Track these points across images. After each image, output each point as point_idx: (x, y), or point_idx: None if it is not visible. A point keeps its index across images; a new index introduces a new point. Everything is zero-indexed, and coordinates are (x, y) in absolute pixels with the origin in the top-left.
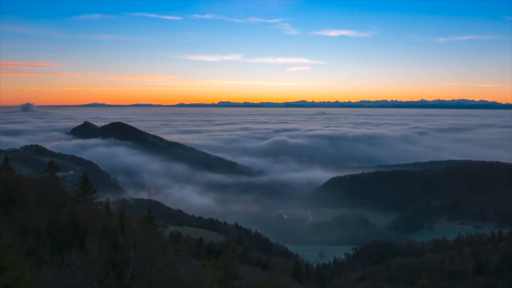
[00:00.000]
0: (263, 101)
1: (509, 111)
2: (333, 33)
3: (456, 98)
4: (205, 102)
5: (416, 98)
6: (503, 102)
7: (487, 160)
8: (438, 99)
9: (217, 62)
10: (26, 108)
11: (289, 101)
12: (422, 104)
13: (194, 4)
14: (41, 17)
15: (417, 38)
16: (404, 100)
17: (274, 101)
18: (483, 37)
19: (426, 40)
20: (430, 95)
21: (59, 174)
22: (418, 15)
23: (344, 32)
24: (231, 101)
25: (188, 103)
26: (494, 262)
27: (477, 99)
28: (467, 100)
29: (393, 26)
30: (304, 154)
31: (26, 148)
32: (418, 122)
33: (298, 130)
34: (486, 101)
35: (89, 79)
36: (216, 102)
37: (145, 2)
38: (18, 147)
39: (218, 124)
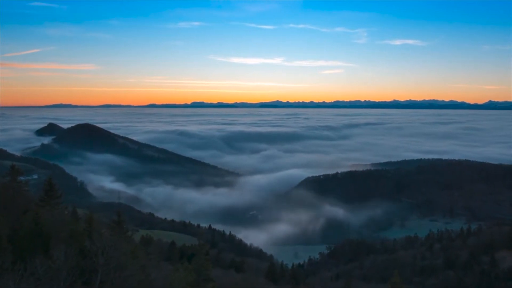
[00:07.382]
0: (237, 101)
1: (471, 111)
2: (397, 42)
3: (427, 99)
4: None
5: (388, 98)
6: (472, 102)
7: (456, 159)
8: (410, 99)
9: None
10: None
11: (264, 101)
12: (394, 104)
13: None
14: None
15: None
16: (377, 100)
17: (248, 101)
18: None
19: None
20: (403, 96)
21: (22, 178)
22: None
23: (409, 41)
24: (204, 101)
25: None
26: (463, 257)
27: (447, 99)
28: (437, 100)
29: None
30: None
31: None
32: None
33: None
34: (455, 101)
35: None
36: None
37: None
38: None
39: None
